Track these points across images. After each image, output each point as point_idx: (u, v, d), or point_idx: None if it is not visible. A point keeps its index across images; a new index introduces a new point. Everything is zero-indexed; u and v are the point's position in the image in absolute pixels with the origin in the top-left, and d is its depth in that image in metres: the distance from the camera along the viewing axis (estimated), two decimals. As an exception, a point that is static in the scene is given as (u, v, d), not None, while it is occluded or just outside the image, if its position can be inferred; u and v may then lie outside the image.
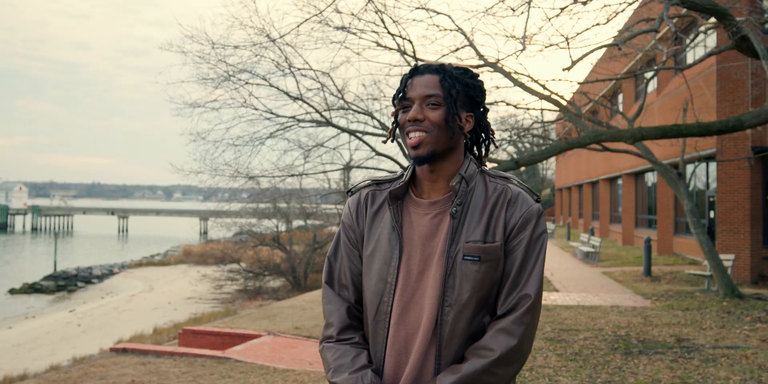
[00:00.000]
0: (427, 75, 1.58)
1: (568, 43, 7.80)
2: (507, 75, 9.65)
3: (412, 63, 9.86)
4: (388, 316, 1.57)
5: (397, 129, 1.64)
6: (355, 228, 1.67)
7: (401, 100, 1.59)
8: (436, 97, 1.55)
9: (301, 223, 28.92)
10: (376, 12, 9.38)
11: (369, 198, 1.68)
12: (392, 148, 10.30)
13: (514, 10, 8.15)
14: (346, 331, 1.62)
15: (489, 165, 9.81)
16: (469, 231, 1.56)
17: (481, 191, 1.61)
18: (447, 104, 1.56)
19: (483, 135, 1.68)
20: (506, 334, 1.52)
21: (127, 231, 78.60)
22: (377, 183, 1.70)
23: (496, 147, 1.73)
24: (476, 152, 1.71)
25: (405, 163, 9.66)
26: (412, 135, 1.55)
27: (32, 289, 31.41)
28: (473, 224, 1.56)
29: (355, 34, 9.78)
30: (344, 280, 1.68)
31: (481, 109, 1.66)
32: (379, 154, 11.45)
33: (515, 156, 15.36)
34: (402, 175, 1.68)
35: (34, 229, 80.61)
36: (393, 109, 1.65)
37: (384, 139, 1.73)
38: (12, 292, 30.85)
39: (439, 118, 1.55)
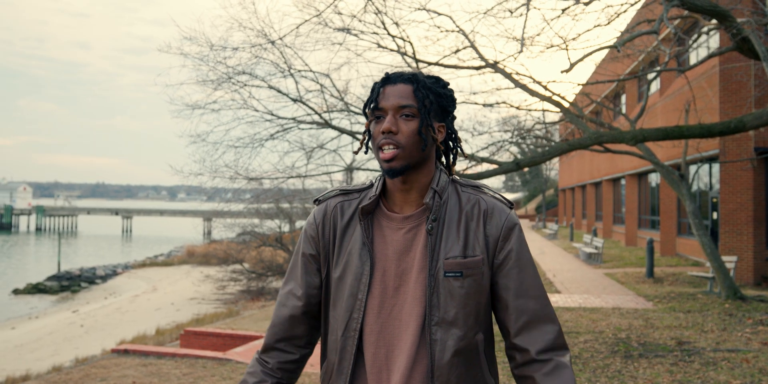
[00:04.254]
0: (400, 84, 1.54)
1: (566, 46, 7.77)
2: (508, 76, 9.62)
3: (413, 64, 9.84)
4: (357, 332, 1.54)
5: (370, 139, 1.60)
6: (318, 239, 1.63)
7: (374, 109, 1.55)
8: (410, 108, 1.52)
9: (303, 223, 28.92)
10: (376, 13, 9.36)
11: (338, 210, 1.63)
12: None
13: (512, 12, 8.13)
14: (268, 353, 1.65)
15: (491, 166, 9.79)
16: (448, 247, 1.53)
17: (455, 203, 1.58)
18: (421, 115, 1.52)
19: (452, 143, 1.66)
20: (553, 350, 1.54)
21: (131, 231, 78.78)
22: (345, 192, 1.66)
23: (464, 156, 1.72)
24: (444, 161, 1.68)
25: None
26: (385, 148, 1.51)
27: (36, 289, 31.51)
28: (451, 239, 1.54)
29: (355, 35, 9.75)
30: (300, 290, 1.66)
31: (450, 118, 1.63)
32: (378, 155, 11.40)
33: (518, 157, 15.34)
34: (371, 184, 1.65)
35: (38, 230, 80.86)
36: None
37: (356, 150, 1.69)
38: (16, 292, 30.95)
39: (412, 130, 1.51)
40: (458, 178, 1.65)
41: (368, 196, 1.61)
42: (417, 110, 1.52)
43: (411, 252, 1.55)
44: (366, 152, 1.66)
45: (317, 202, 1.68)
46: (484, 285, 1.55)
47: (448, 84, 1.62)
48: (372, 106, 1.55)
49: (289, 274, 1.69)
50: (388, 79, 1.56)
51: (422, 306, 1.52)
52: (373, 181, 1.65)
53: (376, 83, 1.58)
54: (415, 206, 1.58)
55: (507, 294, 1.55)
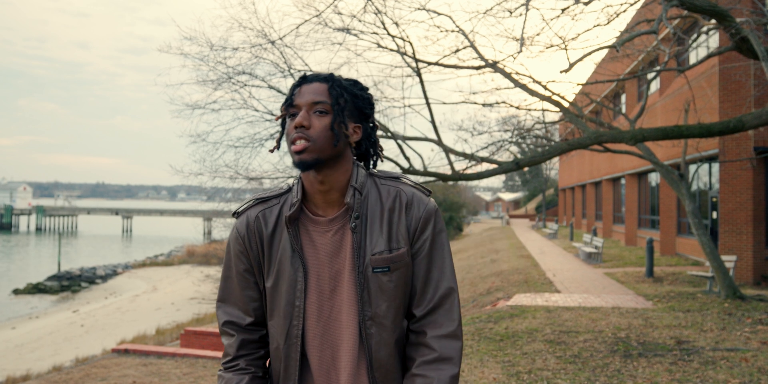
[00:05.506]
0: (316, 83, 1.57)
1: (566, 46, 7.79)
2: (508, 76, 9.64)
3: (413, 64, 9.85)
4: (300, 339, 1.57)
5: (284, 136, 1.60)
6: (247, 253, 1.62)
7: (288, 107, 1.57)
8: (324, 104, 1.54)
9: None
10: (375, 13, 9.38)
11: (260, 220, 1.62)
12: (393, 149, 10.29)
13: (511, 12, 8.15)
14: (234, 360, 1.63)
15: (490, 166, 9.80)
16: (373, 243, 1.56)
17: (375, 197, 1.61)
18: (334, 112, 1.54)
19: (372, 150, 1.67)
20: (452, 338, 1.57)
21: (131, 231, 78.88)
22: (263, 200, 1.65)
23: (382, 161, 1.72)
24: (362, 163, 1.69)
25: (404, 164, 9.65)
26: (297, 142, 1.52)
27: (36, 289, 31.55)
28: (375, 235, 1.57)
29: (355, 35, 9.76)
30: (240, 306, 1.65)
31: (371, 125, 1.65)
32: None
33: (518, 156, 15.36)
34: (288, 189, 1.65)
35: (38, 229, 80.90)
36: (280, 115, 1.62)
37: (271, 148, 1.70)
38: (16, 292, 30.99)
39: (325, 125, 1.53)
40: (375, 171, 1.67)
41: (289, 202, 1.61)
42: (330, 106, 1.55)
43: (341, 253, 1.58)
44: (278, 148, 1.66)
45: (236, 215, 1.67)
46: (409, 276, 1.59)
47: (367, 88, 1.64)
48: (287, 103, 1.57)
49: (223, 292, 1.66)
50: (305, 79, 1.59)
51: (356, 304, 1.56)
52: (290, 185, 1.66)
53: (293, 83, 1.61)
54: (338, 207, 1.60)
55: (416, 281, 1.59)
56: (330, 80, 1.57)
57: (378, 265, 1.55)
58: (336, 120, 1.54)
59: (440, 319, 1.57)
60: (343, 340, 1.56)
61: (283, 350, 1.58)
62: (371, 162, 1.68)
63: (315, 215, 1.61)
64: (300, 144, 1.51)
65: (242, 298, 1.63)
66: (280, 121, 1.62)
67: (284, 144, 1.81)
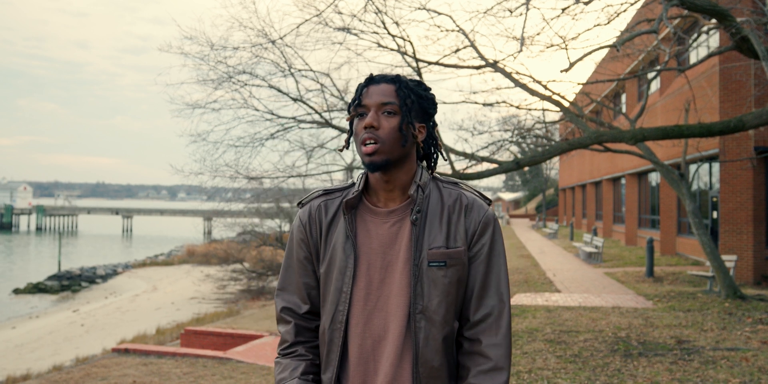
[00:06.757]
0: (383, 84, 1.60)
1: (566, 45, 7.79)
2: (508, 75, 9.63)
3: (413, 64, 9.84)
4: (344, 325, 1.59)
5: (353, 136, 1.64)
6: (308, 240, 1.67)
7: (357, 107, 1.60)
8: (392, 105, 1.57)
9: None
10: (376, 13, 9.37)
11: (322, 209, 1.67)
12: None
13: (512, 12, 8.15)
14: (292, 346, 1.67)
15: (491, 165, 9.80)
16: (431, 237, 1.59)
17: (437, 198, 1.64)
18: (402, 113, 1.58)
19: (432, 148, 1.71)
20: (505, 347, 1.59)
21: (131, 231, 78.85)
22: (327, 192, 1.70)
23: (445, 159, 1.76)
24: (425, 164, 1.73)
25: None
26: (368, 143, 1.56)
27: (36, 288, 31.53)
28: (434, 231, 1.60)
29: (355, 34, 9.76)
30: (298, 294, 1.68)
31: (432, 124, 1.68)
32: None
33: (519, 156, 15.35)
34: (353, 184, 1.69)
35: (38, 229, 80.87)
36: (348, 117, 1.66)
37: (340, 147, 1.73)
38: (16, 291, 30.96)
39: (393, 126, 1.57)
40: (438, 175, 1.71)
41: (351, 191, 1.65)
42: (398, 108, 1.58)
43: (396, 245, 1.61)
44: (348, 148, 1.70)
45: (300, 204, 1.72)
46: (464, 276, 1.61)
47: (430, 88, 1.68)
48: (355, 103, 1.61)
49: (283, 280, 1.71)
50: (372, 79, 1.62)
51: (407, 296, 1.58)
52: (355, 180, 1.70)
53: (360, 83, 1.64)
54: (399, 201, 1.64)
55: (473, 284, 1.62)
56: (397, 82, 1.60)
57: (435, 258, 1.57)
58: (404, 121, 1.58)
59: (495, 327, 1.59)
60: (387, 331, 1.58)
61: (328, 334, 1.61)
62: (432, 160, 1.72)
63: (375, 206, 1.64)
64: (370, 146, 1.55)
65: (300, 286, 1.67)
66: (344, 120, 1.65)
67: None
